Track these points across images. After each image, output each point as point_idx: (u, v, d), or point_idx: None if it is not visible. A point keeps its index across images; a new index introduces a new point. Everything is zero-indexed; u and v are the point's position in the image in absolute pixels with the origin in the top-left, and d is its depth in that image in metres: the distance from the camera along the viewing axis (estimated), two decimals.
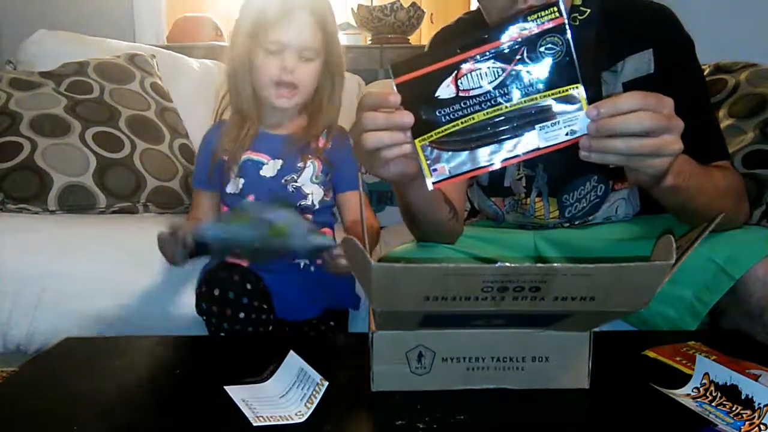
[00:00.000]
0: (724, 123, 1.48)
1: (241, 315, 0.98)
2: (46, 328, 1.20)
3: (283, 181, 1.12)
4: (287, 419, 0.60)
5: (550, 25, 0.63)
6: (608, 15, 0.99)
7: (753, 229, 0.95)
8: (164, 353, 0.82)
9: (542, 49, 0.64)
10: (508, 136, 0.66)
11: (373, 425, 0.64)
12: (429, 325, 0.64)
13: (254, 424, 0.58)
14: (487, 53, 0.65)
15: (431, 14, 3.21)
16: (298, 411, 0.61)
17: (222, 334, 1.00)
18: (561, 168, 1.04)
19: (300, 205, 1.13)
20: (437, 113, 0.66)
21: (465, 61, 0.65)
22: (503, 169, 1.08)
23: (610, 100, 0.65)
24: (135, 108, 1.66)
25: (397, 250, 1.04)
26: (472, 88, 0.65)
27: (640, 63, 0.97)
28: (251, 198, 1.11)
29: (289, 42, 1.06)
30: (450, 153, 0.67)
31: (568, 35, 0.63)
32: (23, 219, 1.38)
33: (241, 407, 0.61)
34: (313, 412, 0.61)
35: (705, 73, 1.62)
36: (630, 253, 0.95)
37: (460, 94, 0.66)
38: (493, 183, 1.11)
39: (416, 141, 0.68)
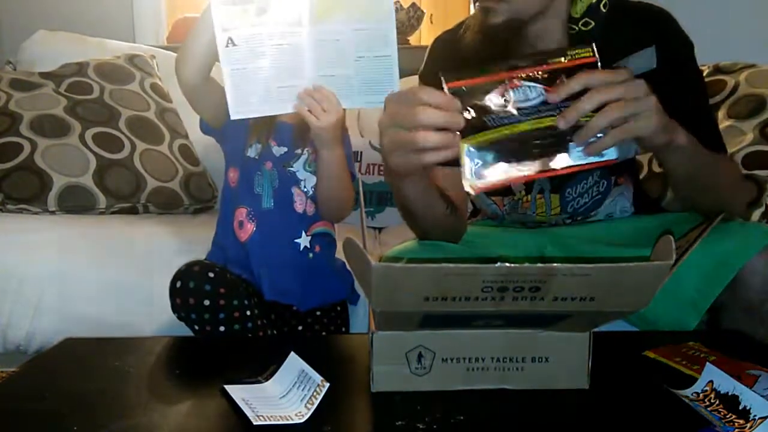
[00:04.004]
0: (724, 124, 1.48)
1: (207, 303, 0.99)
2: (46, 329, 1.20)
3: (282, 165, 1.13)
4: (287, 419, 0.60)
5: (584, 62, 0.71)
6: (609, 18, 1.00)
7: (752, 224, 0.96)
8: (164, 353, 0.82)
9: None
10: (547, 150, 0.71)
11: (373, 425, 0.64)
12: (429, 326, 0.64)
13: (254, 423, 0.58)
14: (530, 75, 0.70)
15: (431, 15, 3.20)
16: (298, 412, 0.61)
17: (202, 322, 1.00)
18: None
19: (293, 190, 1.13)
20: (483, 118, 0.70)
21: (511, 78, 0.70)
22: None
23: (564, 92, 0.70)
24: (135, 108, 1.66)
25: (397, 248, 1.04)
26: (519, 101, 0.70)
27: (642, 59, 0.98)
28: (269, 165, 1.11)
29: None
30: (492, 158, 0.70)
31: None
32: (23, 219, 1.38)
33: (241, 406, 0.61)
34: (313, 412, 0.61)
35: (705, 74, 1.62)
36: (631, 251, 0.96)
37: (508, 105, 0.70)
38: None
39: (462, 141, 0.70)
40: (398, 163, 0.75)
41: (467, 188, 0.71)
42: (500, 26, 0.93)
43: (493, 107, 0.70)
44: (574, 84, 0.69)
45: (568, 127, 0.69)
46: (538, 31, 0.98)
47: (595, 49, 0.71)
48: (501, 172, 0.70)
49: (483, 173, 0.70)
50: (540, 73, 0.70)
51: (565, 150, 0.70)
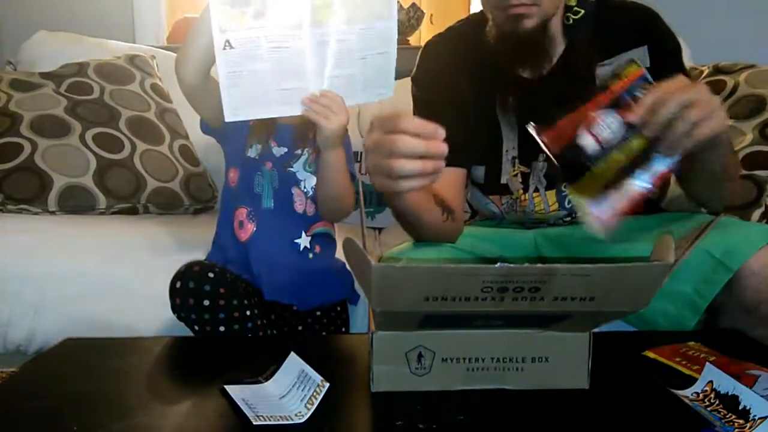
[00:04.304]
0: None
1: (207, 303, 0.98)
2: (46, 329, 1.20)
3: (282, 165, 1.13)
4: (287, 419, 0.60)
5: (637, 75, 0.77)
6: (601, 14, 1.02)
7: (749, 223, 0.97)
8: (164, 353, 0.82)
9: (637, 93, 0.76)
10: (641, 169, 0.76)
11: (373, 425, 0.64)
12: (429, 326, 0.64)
13: (254, 423, 0.58)
14: (602, 104, 0.76)
15: (431, 15, 3.20)
16: (298, 412, 0.61)
17: (201, 322, 1.00)
18: None
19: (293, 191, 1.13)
20: (582, 161, 0.76)
21: (588, 112, 0.76)
22: (500, 167, 1.09)
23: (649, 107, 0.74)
24: (135, 109, 1.66)
25: (397, 249, 1.04)
26: (604, 134, 0.76)
27: (635, 58, 0.99)
28: (269, 165, 1.11)
29: None
30: (607, 196, 0.76)
31: (650, 79, 0.77)
32: (23, 220, 1.38)
33: (241, 406, 0.61)
34: (313, 412, 0.61)
35: (705, 74, 1.62)
36: (631, 251, 0.96)
37: (597, 141, 0.76)
38: (490, 180, 1.12)
39: (571, 188, 0.78)
40: (380, 186, 0.75)
41: (596, 232, 0.75)
42: (534, 29, 0.95)
43: (586, 148, 0.76)
44: (650, 100, 0.73)
45: (655, 135, 0.74)
46: (551, 26, 1.00)
47: (639, 62, 0.78)
48: (618, 204, 0.76)
49: (603, 214, 0.75)
50: (609, 100, 0.76)
51: (653, 160, 0.75)
